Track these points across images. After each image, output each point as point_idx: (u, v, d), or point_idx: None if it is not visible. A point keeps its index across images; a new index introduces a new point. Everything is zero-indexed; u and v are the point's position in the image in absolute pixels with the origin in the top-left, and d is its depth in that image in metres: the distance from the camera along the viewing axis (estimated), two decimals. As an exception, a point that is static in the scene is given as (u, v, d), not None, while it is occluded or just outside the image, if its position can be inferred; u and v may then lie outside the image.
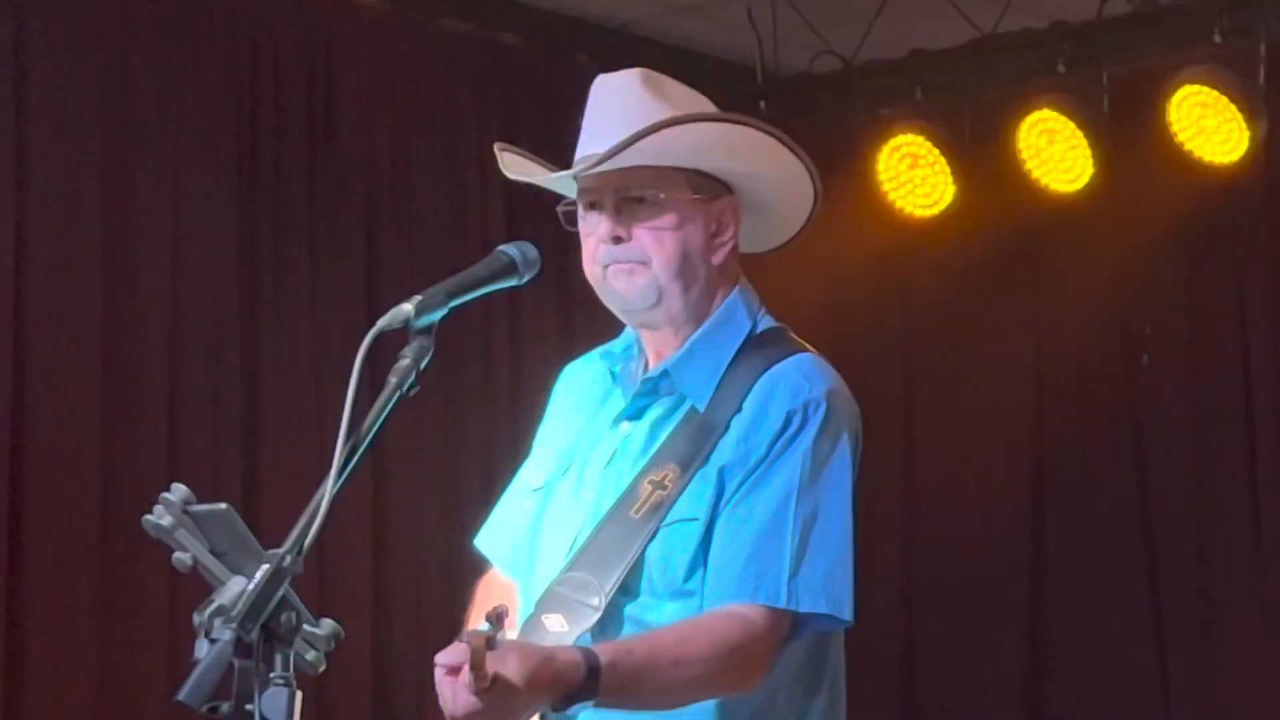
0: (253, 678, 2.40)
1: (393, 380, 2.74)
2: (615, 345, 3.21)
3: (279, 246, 6.47)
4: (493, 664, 2.65)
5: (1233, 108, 6.63)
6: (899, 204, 7.34)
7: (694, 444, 3.01)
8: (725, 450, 3.00)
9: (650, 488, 3.00)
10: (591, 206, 3.08)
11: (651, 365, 3.13)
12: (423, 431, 6.49)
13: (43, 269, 5.94)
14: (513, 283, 3.01)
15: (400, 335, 2.79)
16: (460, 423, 6.72)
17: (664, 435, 3.05)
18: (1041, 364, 7.69)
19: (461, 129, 6.77)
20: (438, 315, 2.82)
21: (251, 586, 2.42)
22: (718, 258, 3.09)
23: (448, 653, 2.71)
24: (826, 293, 7.51)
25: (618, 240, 3.04)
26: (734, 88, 7.45)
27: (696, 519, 2.98)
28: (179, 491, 2.51)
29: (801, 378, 3.05)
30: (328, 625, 2.49)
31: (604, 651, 2.81)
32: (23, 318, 5.88)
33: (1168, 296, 7.41)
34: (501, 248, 3.03)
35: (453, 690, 2.68)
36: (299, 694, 2.43)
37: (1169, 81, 6.72)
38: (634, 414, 3.11)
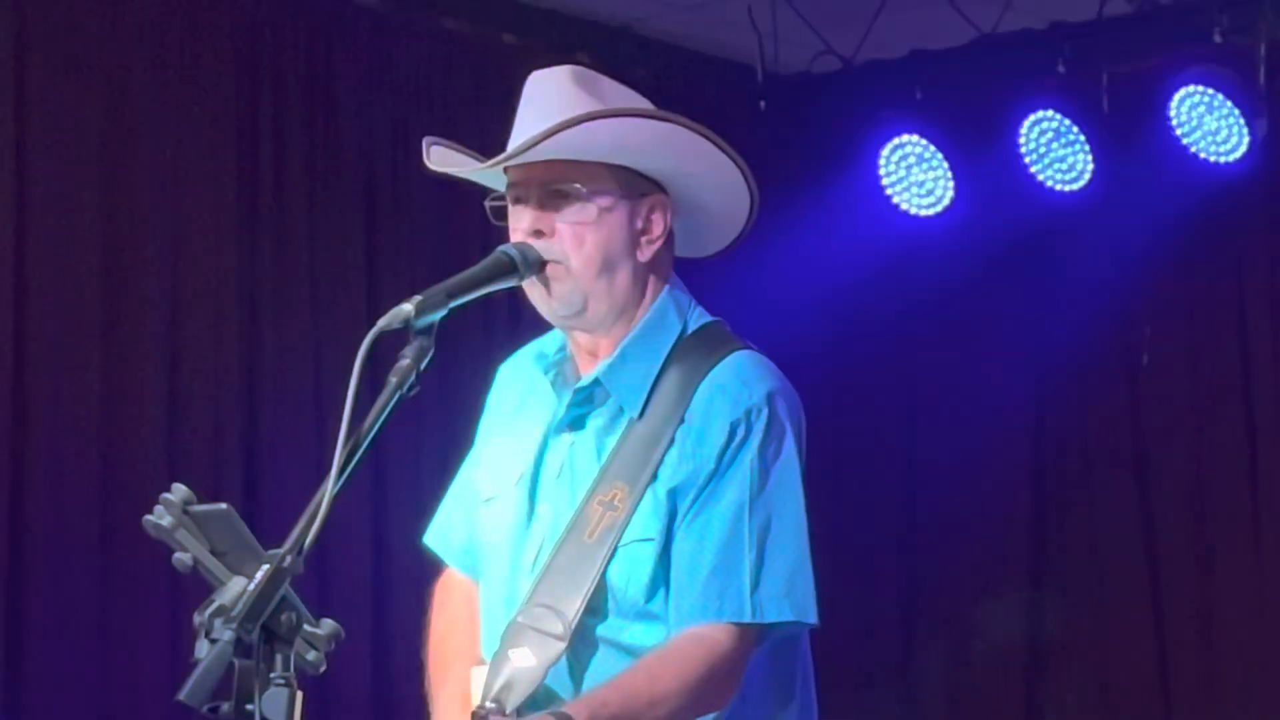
0: (253, 678, 2.40)
1: (393, 380, 2.74)
2: (548, 345, 3.17)
3: (279, 246, 6.46)
4: None
5: (1233, 108, 6.63)
6: (899, 204, 7.33)
7: (639, 459, 2.98)
8: (673, 467, 2.97)
9: (600, 509, 2.97)
10: (518, 201, 3.05)
11: (583, 367, 3.09)
12: (423, 431, 6.48)
13: (43, 269, 5.94)
14: (513, 283, 3.01)
15: (400, 335, 2.79)
16: (460, 423, 6.71)
17: (609, 449, 3.02)
18: (1041, 364, 7.68)
19: (462, 129, 6.76)
20: (438, 315, 2.81)
21: (251, 586, 2.42)
22: (644, 255, 3.04)
23: None
24: (827, 293, 7.50)
25: (538, 234, 3.00)
26: (734, 88, 7.45)
27: (651, 539, 2.96)
28: (179, 491, 2.51)
29: (740, 384, 3.00)
30: (328, 625, 2.49)
31: (579, 711, 2.82)
32: (23, 317, 5.88)
33: (1168, 296, 7.40)
34: (502, 248, 3.03)
35: None
36: (299, 694, 2.42)
37: (1169, 81, 6.72)
38: (575, 423, 3.07)
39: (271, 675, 2.42)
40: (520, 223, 3.03)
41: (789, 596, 2.95)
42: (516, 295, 3.07)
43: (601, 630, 2.97)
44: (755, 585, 2.93)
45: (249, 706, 2.39)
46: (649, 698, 2.87)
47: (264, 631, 2.42)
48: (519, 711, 2.89)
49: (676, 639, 2.93)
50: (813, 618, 2.98)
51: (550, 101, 3.02)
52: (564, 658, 2.95)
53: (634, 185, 3.03)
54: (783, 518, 2.98)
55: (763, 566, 2.94)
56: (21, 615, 5.80)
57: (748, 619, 2.92)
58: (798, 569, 2.97)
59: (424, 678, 3.26)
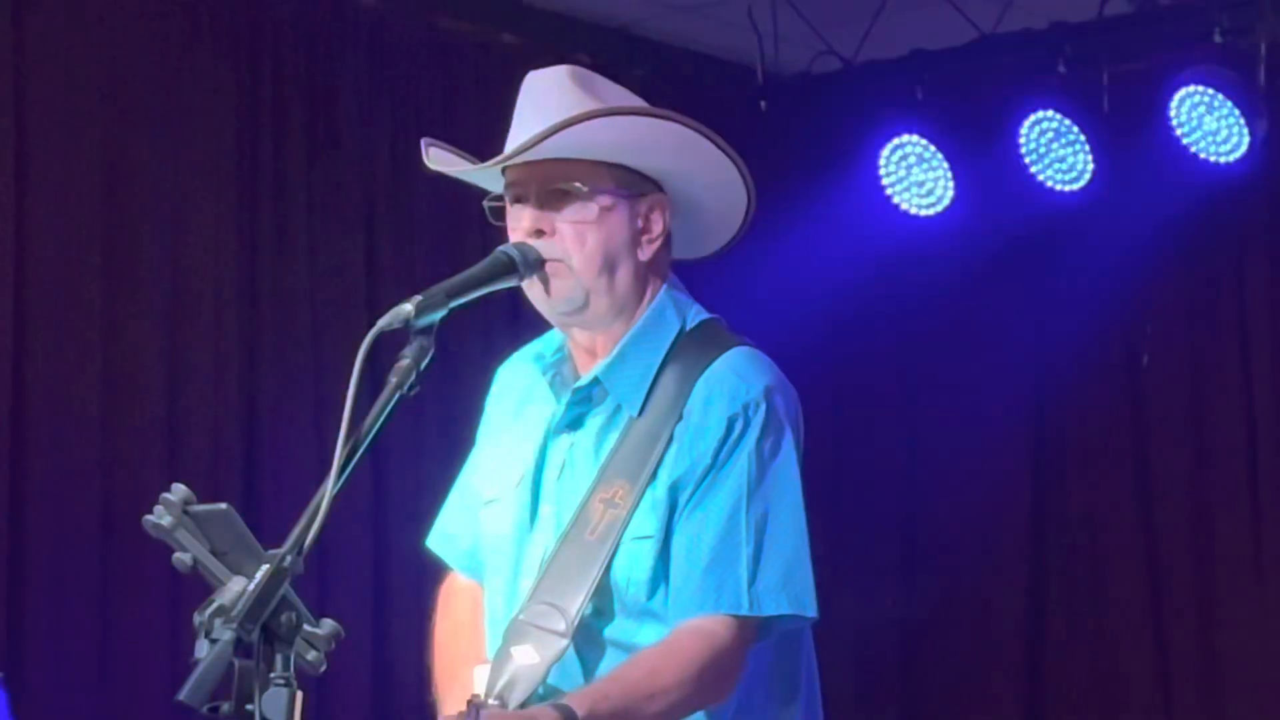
0: (253, 678, 2.40)
1: (393, 380, 2.74)
2: (546, 346, 3.18)
3: (279, 246, 6.46)
4: None
5: (1233, 108, 6.63)
6: (899, 204, 7.34)
7: (640, 456, 2.99)
8: (672, 464, 2.98)
9: (602, 507, 2.98)
10: (517, 200, 3.05)
11: (581, 367, 3.10)
12: (423, 431, 6.48)
13: (43, 268, 5.94)
14: (513, 283, 3.01)
15: (400, 335, 2.79)
16: (460, 423, 6.70)
17: (609, 447, 3.02)
18: (1041, 364, 7.68)
19: (461, 129, 6.77)
20: (438, 315, 2.81)
21: (251, 586, 2.42)
22: (644, 254, 3.05)
23: None
24: (827, 293, 7.50)
25: (539, 233, 3.00)
26: (734, 88, 7.45)
27: (651, 536, 2.96)
28: (179, 491, 2.51)
29: (737, 379, 3.01)
30: (328, 625, 2.49)
31: (579, 704, 2.81)
32: (23, 317, 5.88)
33: (1168, 296, 7.40)
34: (502, 248, 3.03)
35: None
36: (299, 694, 2.42)
37: (1169, 81, 6.72)
38: (574, 423, 3.08)
39: (271, 675, 2.42)
40: (520, 222, 3.03)
41: (786, 590, 2.95)
42: (516, 295, 3.06)
43: (610, 632, 2.97)
44: (753, 578, 2.93)
45: (249, 706, 2.38)
46: (648, 691, 2.87)
47: (264, 631, 2.42)
48: (522, 708, 2.89)
49: (675, 632, 2.93)
50: (811, 611, 2.98)
51: (549, 101, 3.02)
52: (574, 660, 2.95)
53: (633, 184, 3.04)
54: (780, 512, 2.98)
55: (760, 559, 2.94)
56: (21, 615, 5.80)
57: (745, 611, 2.92)
58: (795, 562, 2.97)
59: (428, 681, 3.25)
